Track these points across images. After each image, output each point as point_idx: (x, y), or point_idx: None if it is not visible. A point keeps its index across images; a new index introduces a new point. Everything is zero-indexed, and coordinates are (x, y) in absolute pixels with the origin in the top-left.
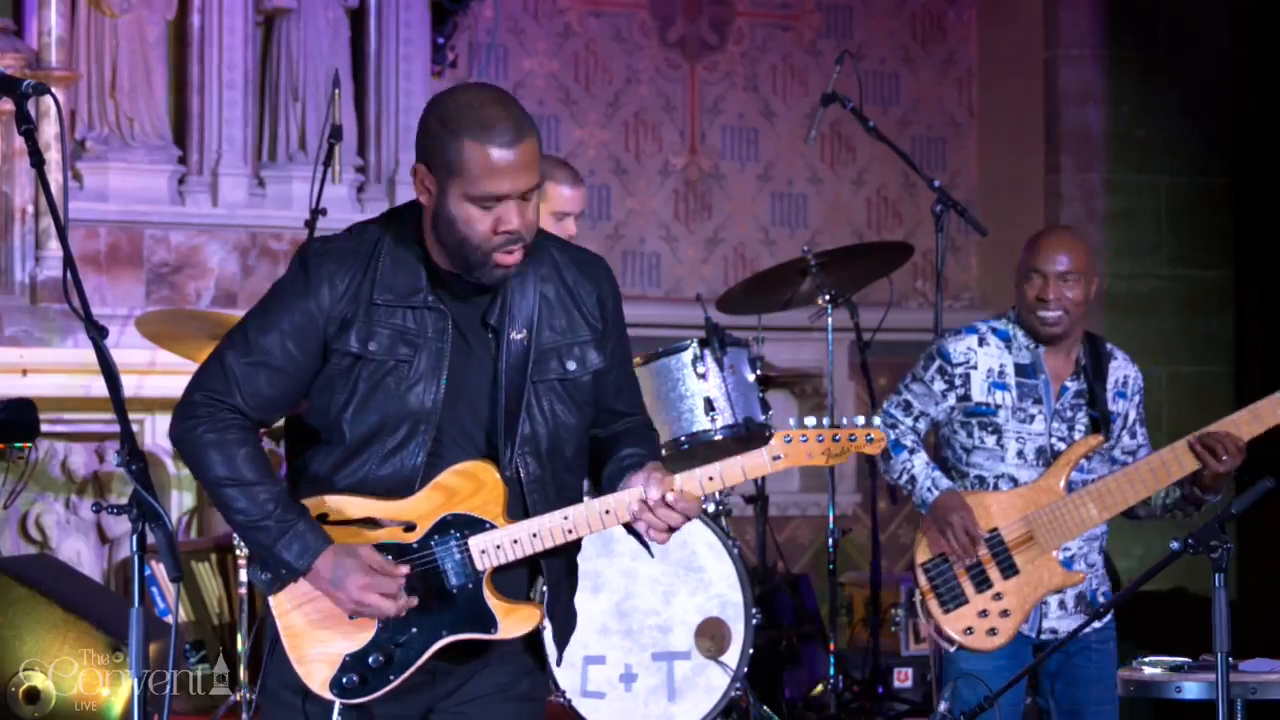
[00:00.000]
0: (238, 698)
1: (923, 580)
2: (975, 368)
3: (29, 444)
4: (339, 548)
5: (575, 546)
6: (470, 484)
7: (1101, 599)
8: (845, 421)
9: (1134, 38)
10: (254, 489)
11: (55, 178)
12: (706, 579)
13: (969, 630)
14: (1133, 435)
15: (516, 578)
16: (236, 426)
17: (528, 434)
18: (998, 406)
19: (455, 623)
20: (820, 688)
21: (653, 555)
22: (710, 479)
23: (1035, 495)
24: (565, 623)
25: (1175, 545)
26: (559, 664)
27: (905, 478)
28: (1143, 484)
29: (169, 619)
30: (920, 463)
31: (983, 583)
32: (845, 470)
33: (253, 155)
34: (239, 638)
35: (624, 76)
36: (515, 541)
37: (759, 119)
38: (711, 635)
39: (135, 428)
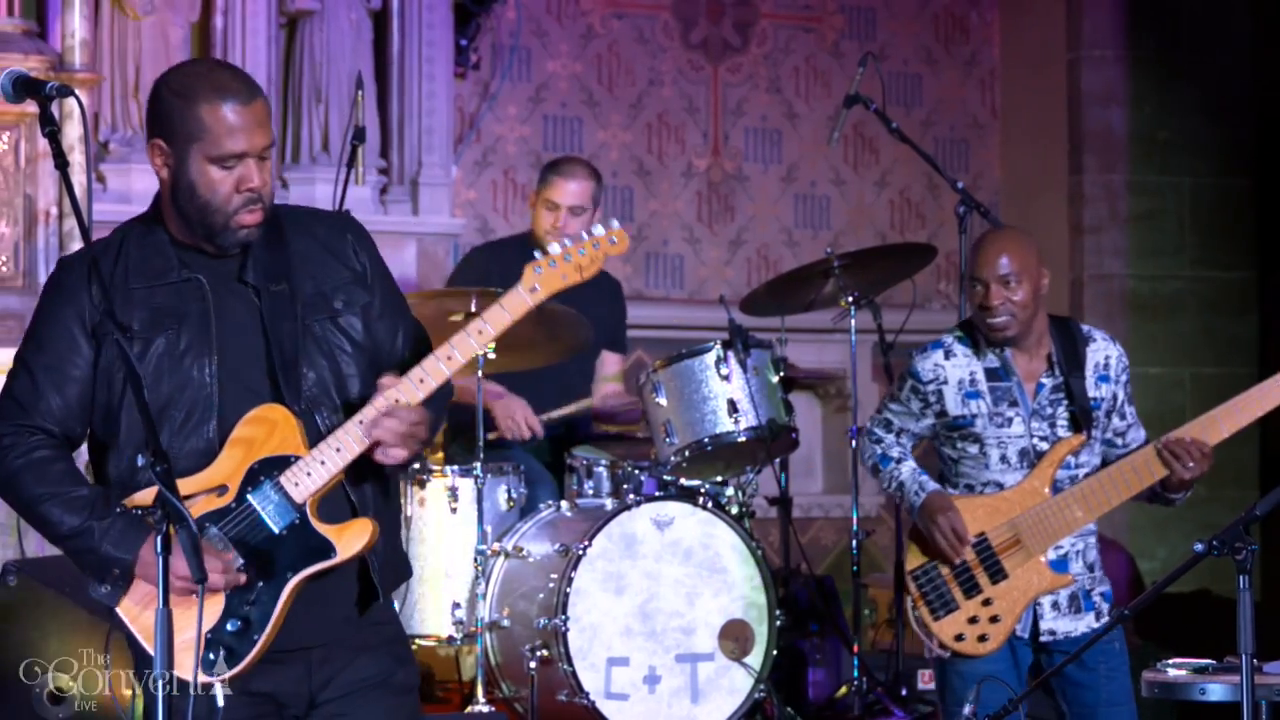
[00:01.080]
0: None
1: (913, 588)
2: (946, 383)
3: None
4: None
5: (386, 483)
6: (264, 429)
7: (1098, 599)
8: (585, 234)
9: (1157, 38)
10: (69, 497)
11: (79, 180)
12: (730, 580)
13: (960, 637)
14: (1122, 416)
15: (340, 514)
16: (44, 446)
17: (312, 379)
18: (974, 416)
19: (295, 561)
20: (844, 689)
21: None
22: (480, 332)
23: (1020, 498)
24: (387, 563)
25: (1199, 547)
26: (380, 600)
27: (894, 485)
28: (1125, 485)
29: None
30: (907, 469)
31: (972, 589)
32: (867, 472)
33: (276, 157)
34: None
35: (647, 78)
36: (323, 463)
37: (782, 120)
38: (735, 637)
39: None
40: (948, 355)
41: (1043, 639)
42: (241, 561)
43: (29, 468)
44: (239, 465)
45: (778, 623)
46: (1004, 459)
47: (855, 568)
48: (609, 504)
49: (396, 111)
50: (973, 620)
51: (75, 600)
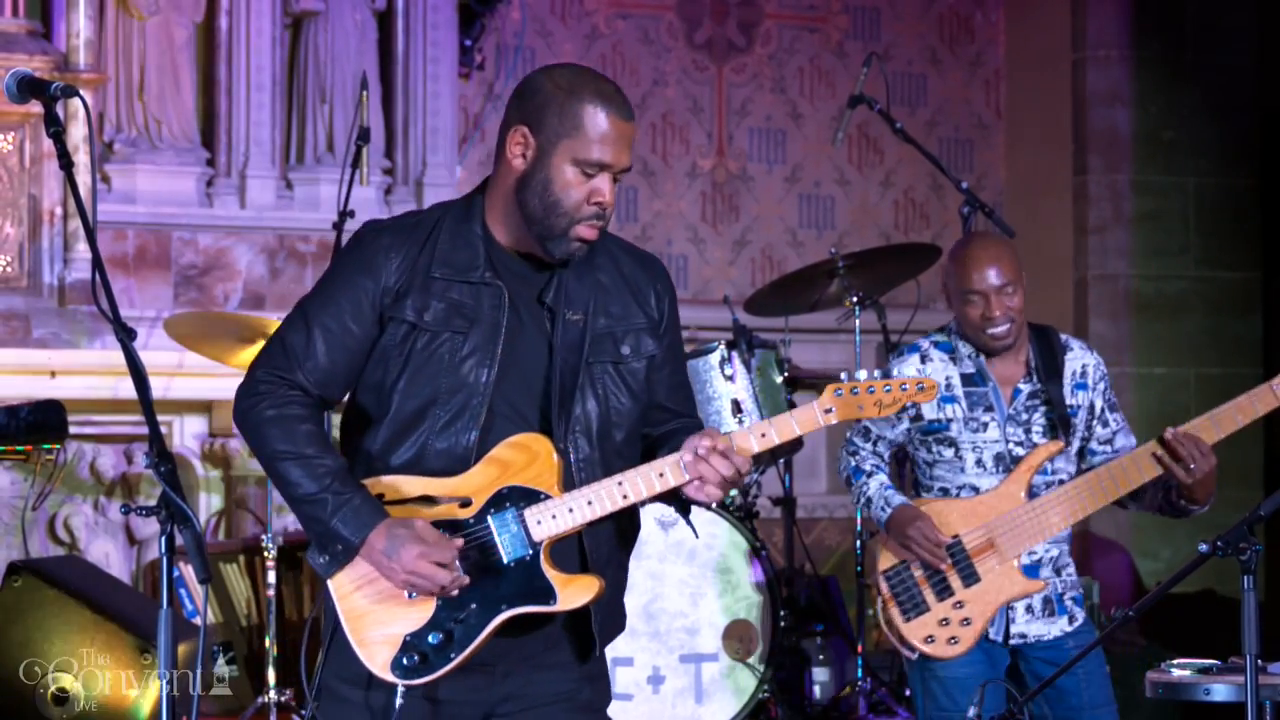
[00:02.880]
0: (266, 699)
1: (884, 588)
2: None
3: (57, 446)
4: (393, 521)
5: (624, 540)
6: (524, 456)
7: (1070, 603)
8: (896, 373)
9: (1161, 39)
10: (312, 463)
11: (84, 180)
12: (734, 581)
13: (930, 639)
14: (1105, 424)
15: (569, 562)
16: (298, 403)
17: (579, 414)
18: (949, 420)
19: (514, 596)
20: (847, 689)
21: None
22: (764, 435)
23: (996, 502)
24: (609, 617)
25: (1203, 548)
26: (596, 653)
27: (863, 500)
28: (1103, 492)
29: (197, 620)
30: (875, 485)
31: (944, 590)
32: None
33: (280, 157)
34: (267, 639)
35: (651, 78)
36: (571, 510)
37: (786, 121)
38: (739, 637)
39: (163, 429)
40: (924, 359)
41: (1014, 642)
42: (464, 581)
43: (279, 420)
44: (490, 484)
45: (781, 623)
46: (980, 463)
47: (859, 568)
48: None
49: (401, 112)
50: (943, 622)
51: (78, 600)
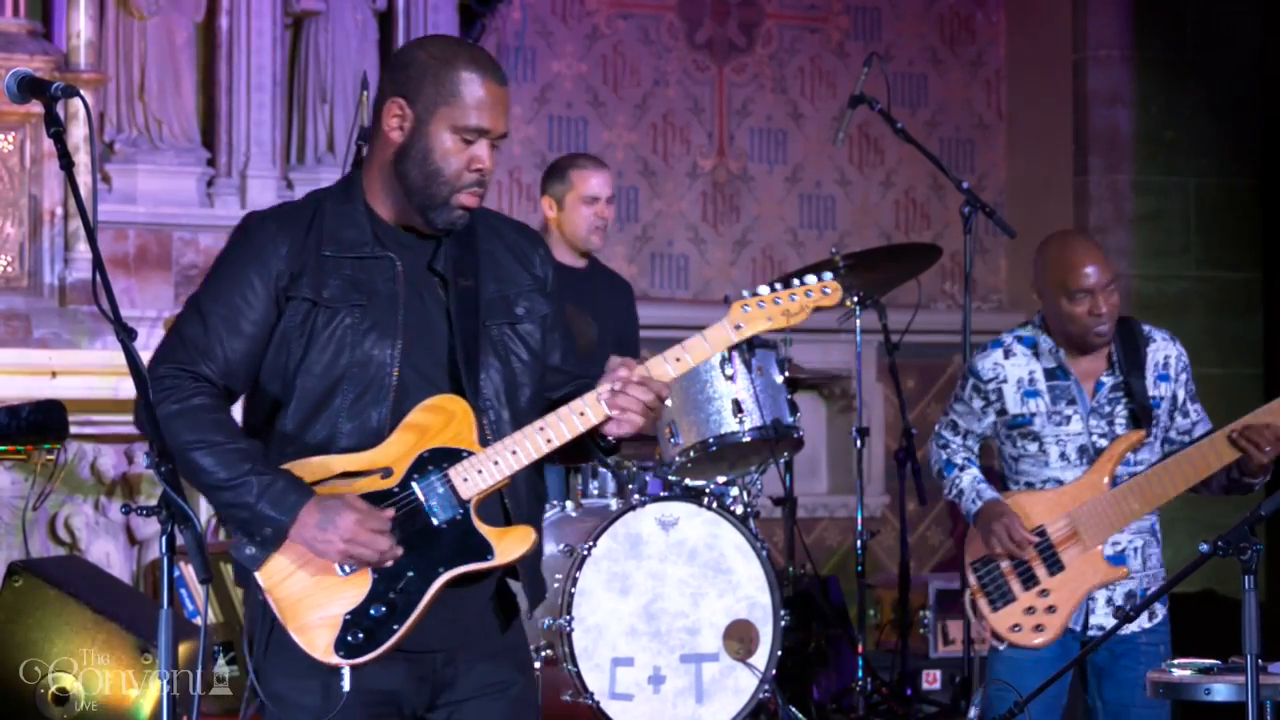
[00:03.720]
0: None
1: (972, 579)
2: (1006, 381)
3: (58, 446)
4: (321, 498)
5: (540, 500)
6: (441, 418)
7: None
8: (797, 281)
9: (1162, 39)
10: (225, 449)
11: (84, 180)
12: (735, 581)
13: (1016, 627)
14: (1185, 414)
15: (495, 521)
16: (204, 394)
17: (485, 377)
18: (1033, 415)
19: (451, 557)
20: (848, 689)
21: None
22: (678, 359)
23: (1078, 492)
24: (533, 582)
25: (1204, 548)
26: (520, 616)
27: (955, 493)
28: (1182, 477)
29: (198, 620)
30: (968, 478)
31: (1029, 580)
32: (873, 472)
33: (281, 157)
34: None
35: (652, 78)
36: (496, 463)
37: (787, 121)
38: (740, 637)
39: None
40: (1007, 354)
41: (1090, 633)
42: (400, 549)
43: (184, 413)
44: (409, 450)
45: (782, 623)
46: (1064, 456)
47: (860, 568)
48: (614, 504)
49: None
50: (1029, 611)
51: (79, 600)
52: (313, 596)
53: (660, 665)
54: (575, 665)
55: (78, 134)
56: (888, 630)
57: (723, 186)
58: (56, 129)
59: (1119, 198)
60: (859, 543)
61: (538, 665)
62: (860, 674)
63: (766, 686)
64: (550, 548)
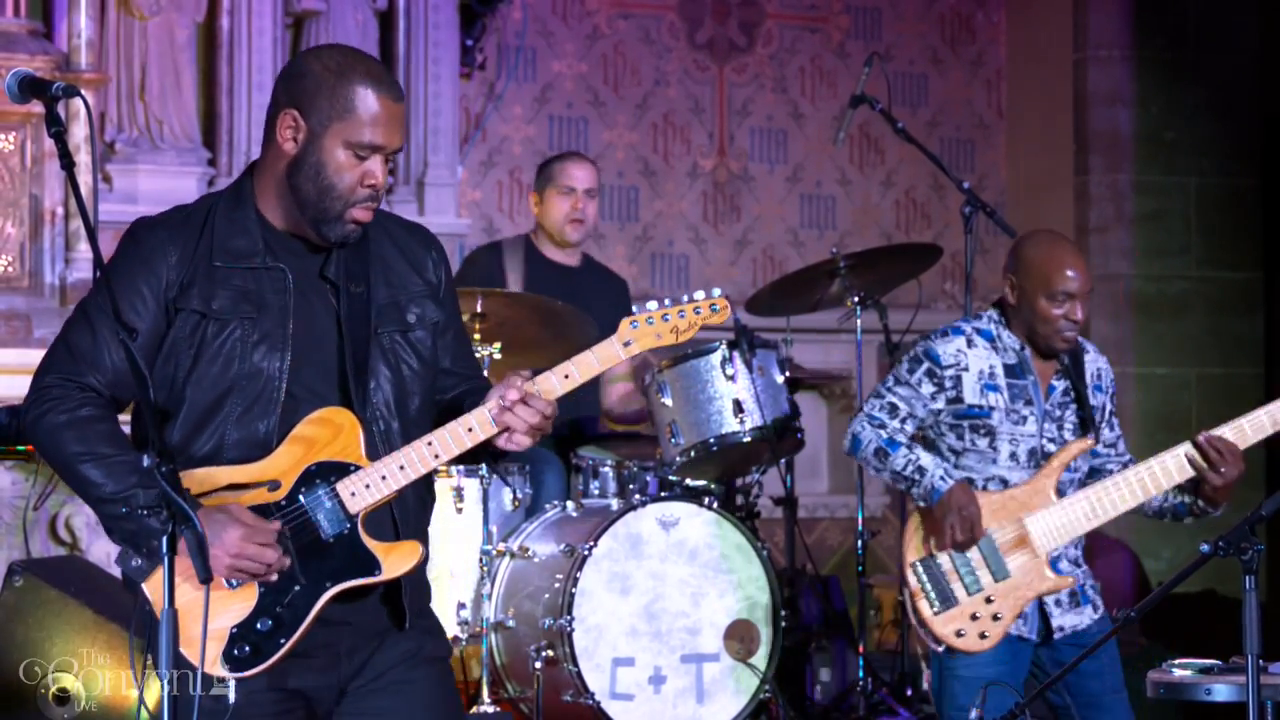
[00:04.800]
0: None
1: (912, 580)
2: (966, 369)
3: None
4: (207, 509)
5: (427, 509)
6: (328, 430)
7: (1090, 592)
8: (685, 297)
9: (1163, 39)
10: (112, 461)
11: (85, 180)
12: (735, 581)
13: (960, 633)
14: (1111, 427)
15: (383, 533)
16: (91, 404)
17: (374, 386)
18: (991, 408)
19: (338, 571)
20: (849, 689)
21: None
22: (566, 376)
23: (1028, 498)
24: (416, 589)
25: (1205, 548)
26: (407, 625)
27: (911, 468)
28: (1132, 493)
29: None
30: (927, 455)
31: (973, 584)
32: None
33: None
34: None
35: (652, 78)
36: (384, 478)
37: (787, 121)
38: (740, 637)
39: None
40: (969, 344)
41: (1055, 636)
42: (287, 561)
43: (71, 424)
44: (296, 463)
45: (783, 623)
46: (1014, 456)
47: (860, 568)
48: (614, 504)
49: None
50: (974, 617)
51: (80, 600)
52: (198, 609)
53: (661, 665)
54: (576, 665)
55: (79, 134)
56: (888, 630)
57: (723, 186)
58: (57, 129)
59: (1119, 197)
60: (859, 543)
61: (539, 665)
62: (860, 674)
63: (767, 687)
64: (551, 547)
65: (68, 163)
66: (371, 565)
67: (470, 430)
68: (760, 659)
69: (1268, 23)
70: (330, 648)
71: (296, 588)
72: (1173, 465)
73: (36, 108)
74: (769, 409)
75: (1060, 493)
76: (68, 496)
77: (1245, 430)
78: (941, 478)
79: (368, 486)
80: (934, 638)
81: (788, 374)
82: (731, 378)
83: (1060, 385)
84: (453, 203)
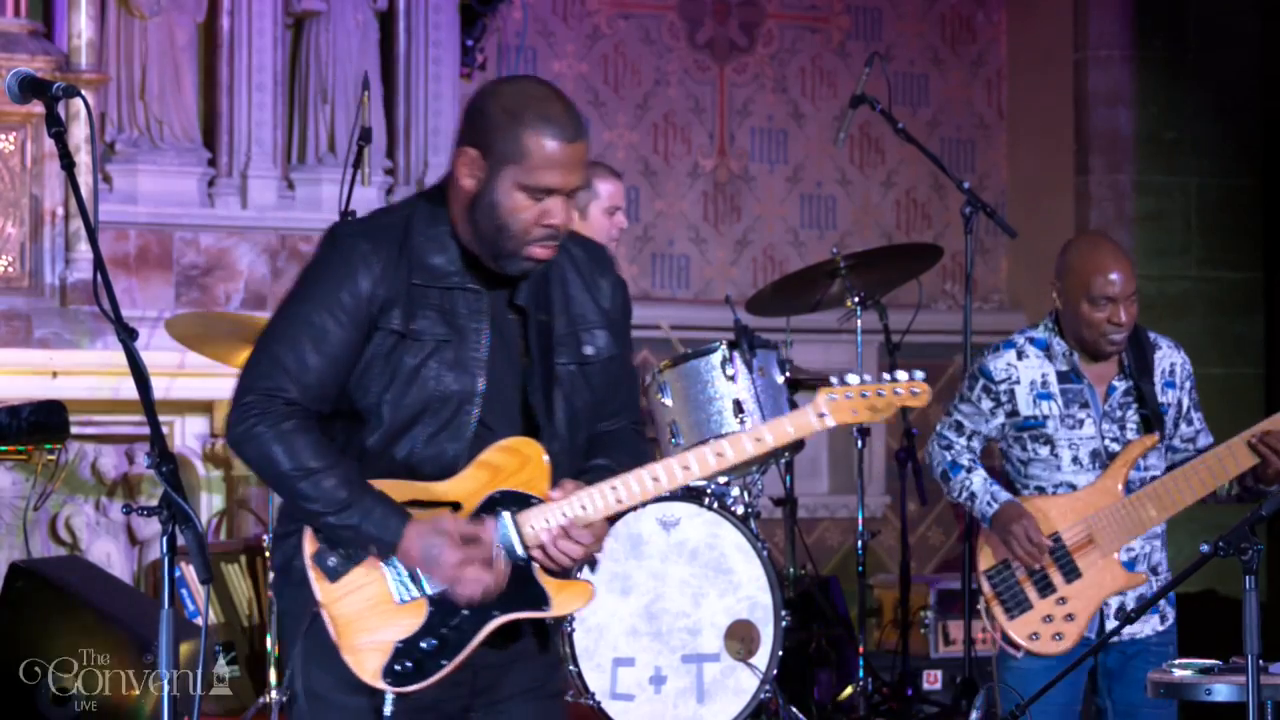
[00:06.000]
0: (267, 699)
1: (986, 587)
2: (1019, 382)
3: (59, 446)
4: (422, 523)
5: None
6: (515, 460)
7: (1162, 603)
8: (887, 377)
9: (1164, 39)
10: (325, 476)
11: (85, 180)
12: (736, 581)
13: (1035, 635)
14: (1189, 422)
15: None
16: (296, 418)
17: (555, 416)
18: (1045, 417)
19: (507, 601)
20: (849, 690)
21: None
22: (759, 440)
23: (1094, 498)
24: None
25: (1205, 548)
26: (550, 651)
27: (965, 495)
28: (1200, 483)
29: (199, 621)
30: (978, 479)
31: (1046, 587)
32: (874, 472)
33: (282, 157)
34: (269, 639)
35: (653, 78)
36: (564, 514)
37: (788, 121)
38: (741, 637)
39: (165, 429)
40: (1020, 355)
41: (1112, 640)
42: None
43: (278, 439)
44: (480, 488)
45: (783, 623)
46: (1076, 460)
47: (860, 568)
48: None
49: (403, 112)
50: (1047, 619)
51: (80, 600)
52: (367, 620)
53: (661, 665)
54: (576, 665)
55: (79, 134)
56: (888, 630)
57: (724, 186)
58: (57, 129)
59: (1120, 198)
60: (860, 543)
61: None
62: (861, 674)
63: (767, 687)
64: None
65: (68, 163)
66: (541, 600)
67: (655, 480)
68: (760, 659)
69: (1268, 23)
70: (466, 669)
71: (465, 612)
72: (1236, 454)
73: (37, 108)
74: (769, 409)
75: (1129, 491)
76: (68, 496)
77: None
78: (989, 502)
79: (548, 521)
80: (1010, 642)
81: (788, 374)
82: (732, 378)
83: (1122, 386)
84: None
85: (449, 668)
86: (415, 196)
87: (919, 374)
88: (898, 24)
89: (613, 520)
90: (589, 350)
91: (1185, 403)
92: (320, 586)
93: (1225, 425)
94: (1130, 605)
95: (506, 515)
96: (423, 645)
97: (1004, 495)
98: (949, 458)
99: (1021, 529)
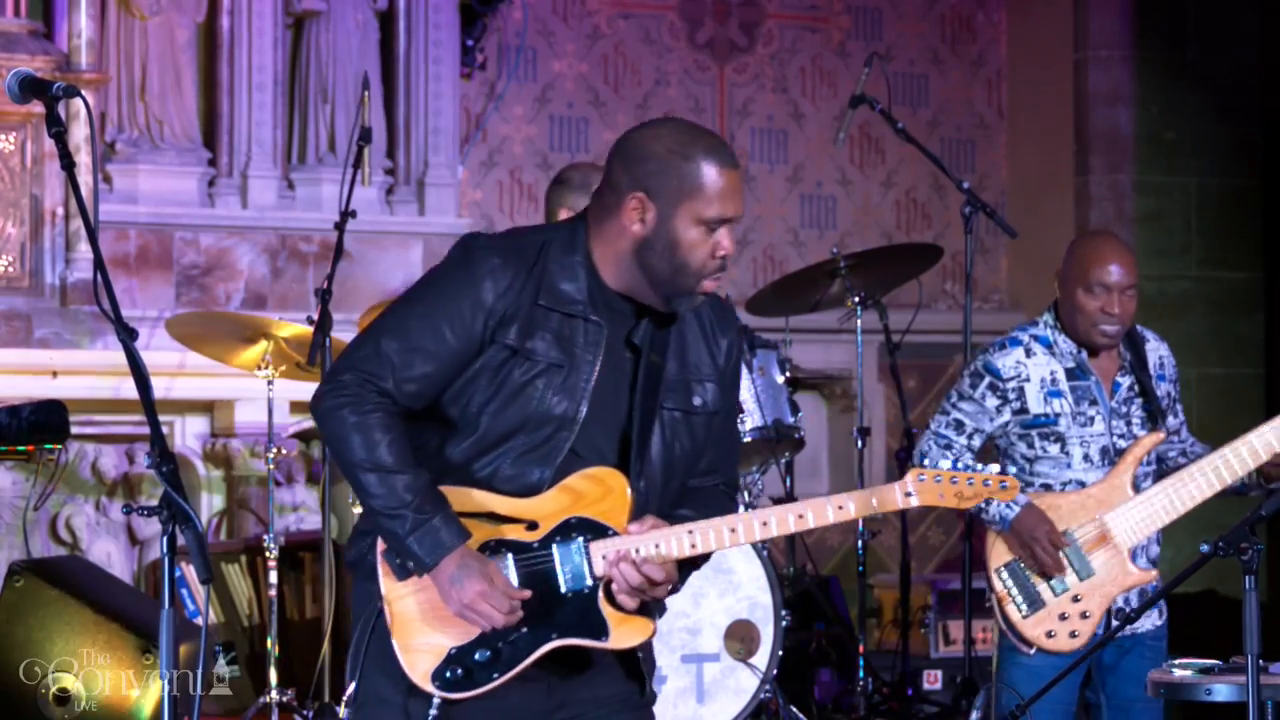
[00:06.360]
0: (267, 699)
1: (998, 585)
2: (1028, 380)
3: (59, 446)
4: (468, 552)
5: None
6: (598, 489)
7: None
8: (980, 467)
9: (1164, 39)
10: (393, 477)
11: (85, 180)
12: (736, 581)
13: (1050, 633)
14: (1175, 415)
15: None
16: (383, 411)
17: (650, 457)
18: (1057, 415)
19: (566, 627)
20: (849, 689)
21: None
22: (840, 508)
23: (1105, 495)
24: (649, 655)
25: (1205, 548)
26: (645, 693)
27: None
28: (1209, 482)
29: (199, 621)
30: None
31: (1059, 585)
32: (875, 472)
33: (282, 157)
34: (268, 639)
35: (653, 78)
36: (638, 550)
37: (788, 121)
38: (741, 637)
39: (165, 429)
40: (1028, 353)
41: (1120, 635)
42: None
43: (360, 428)
44: (560, 511)
45: (783, 623)
46: (1087, 457)
47: (861, 568)
48: None
49: (403, 112)
50: (1062, 617)
51: (80, 600)
52: (426, 621)
53: (661, 665)
54: None
55: (79, 134)
56: (888, 630)
57: None
58: (58, 129)
59: (1120, 198)
60: (860, 543)
61: None
62: (861, 674)
63: (767, 687)
64: None
65: (68, 163)
66: (600, 630)
67: (733, 531)
68: (760, 659)
69: (1268, 23)
70: (540, 681)
71: (523, 629)
72: (1246, 453)
73: (37, 108)
74: (769, 409)
75: (1137, 487)
76: (68, 496)
77: None
78: (1007, 505)
79: (620, 553)
80: (1024, 640)
81: (788, 374)
82: None
83: (1125, 381)
84: (453, 203)
85: (498, 681)
86: (552, 225)
87: (1011, 469)
88: (898, 24)
89: (684, 569)
90: (697, 401)
91: (1173, 394)
92: (386, 582)
93: (1225, 425)
94: (1134, 600)
95: (579, 541)
96: (476, 656)
97: (1023, 498)
98: (950, 458)
99: (1045, 536)
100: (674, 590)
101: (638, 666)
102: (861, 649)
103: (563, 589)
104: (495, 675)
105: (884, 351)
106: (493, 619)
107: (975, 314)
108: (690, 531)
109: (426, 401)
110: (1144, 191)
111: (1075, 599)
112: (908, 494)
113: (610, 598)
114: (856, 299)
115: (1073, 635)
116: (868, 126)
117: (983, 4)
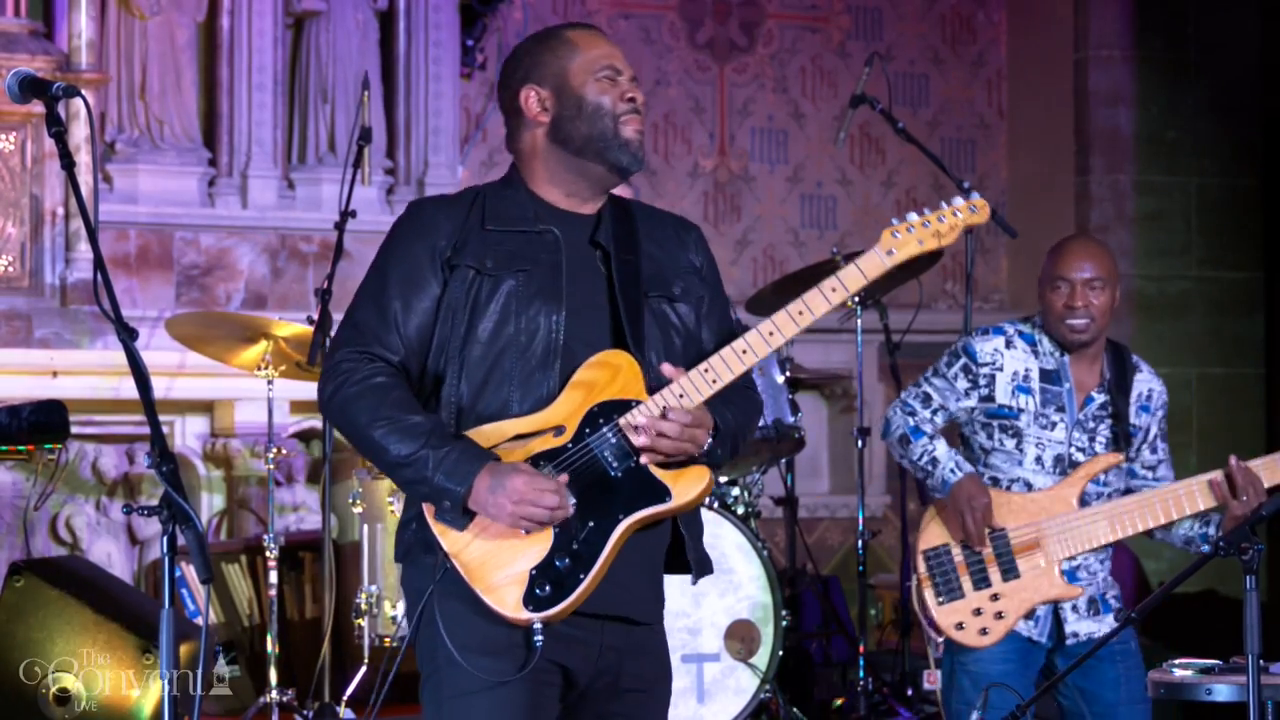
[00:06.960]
0: (267, 699)
1: (922, 567)
2: (1001, 369)
3: (59, 446)
4: (493, 465)
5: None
6: (607, 373)
7: (1113, 601)
8: (944, 204)
9: (1164, 39)
10: (404, 425)
11: (85, 180)
12: (736, 581)
13: (960, 625)
14: (1153, 450)
15: (668, 463)
16: (382, 373)
17: (643, 340)
18: (1020, 410)
19: (629, 503)
20: (849, 690)
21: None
22: (833, 289)
23: (1048, 503)
24: (698, 550)
25: (1206, 548)
26: (694, 582)
27: (926, 459)
28: (1154, 514)
29: (199, 620)
30: (943, 446)
31: (981, 581)
32: (875, 472)
33: (282, 157)
34: (269, 639)
35: (653, 78)
36: (665, 409)
37: (788, 121)
38: (741, 637)
39: (165, 429)
40: (1009, 345)
41: (1068, 642)
42: (572, 500)
43: (365, 393)
44: (579, 407)
45: (783, 623)
46: (1039, 460)
47: (861, 568)
48: None
49: (403, 112)
50: (977, 612)
51: (80, 600)
52: (497, 557)
53: None
54: None
55: (79, 134)
56: (889, 630)
57: (724, 186)
58: (58, 129)
59: (1120, 198)
60: (860, 543)
61: None
62: (861, 674)
63: (767, 687)
64: None
65: (68, 163)
66: (662, 492)
67: (745, 353)
68: (761, 659)
69: (1268, 23)
70: (598, 629)
71: (591, 523)
72: (1198, 491)
73: (37, 108)
74: (769, 409)
75: (1084, 503)
76: (68, 496)
77: (1278, 467)
78: (952, 470)
79: (649, 413)
80: (934, 627)
81: (788, 374)
82: None
83: (1100, 398)
84: None
85: (587, 580)
86: (487, 181)
87: (976, 194)
88: (898, 24)
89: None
90: (678, 290)
91: (1154, 430)
92: (447, 539)
93: (1224, 425)
94: (1082, 607)
95: (610, 425)
96: (557, 565)
97: (968, 467)
98: (911, 423)
99: (981, 508)
100: (717, 438)
101: (685, 560)
102: (861, 649)
103: (611, 473)
104: (582, 576)
105: (884, 351)
106: (546, 504)
107: (975, 314)
108: (706, 370)
109: (419, 357)
110: (1144, 191)
111: (994, 598)
112: (889, 252)
113: (659, 463)
114: (856, 299)
115: (983, 633)
116: (868, 126)
117: (983, 4)
